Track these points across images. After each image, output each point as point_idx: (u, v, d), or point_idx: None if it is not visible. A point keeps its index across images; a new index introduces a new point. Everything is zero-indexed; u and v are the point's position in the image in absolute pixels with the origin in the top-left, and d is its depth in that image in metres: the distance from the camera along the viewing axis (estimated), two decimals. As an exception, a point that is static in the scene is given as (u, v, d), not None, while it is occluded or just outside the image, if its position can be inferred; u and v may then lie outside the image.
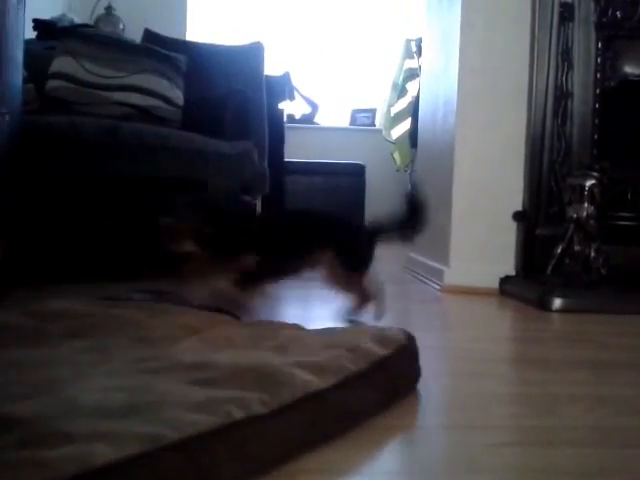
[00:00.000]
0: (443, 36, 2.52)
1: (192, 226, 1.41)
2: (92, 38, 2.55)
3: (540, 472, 0.73)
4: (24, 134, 1.68)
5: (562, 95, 2.18)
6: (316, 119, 5.54)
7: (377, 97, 5.47)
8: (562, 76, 2.17)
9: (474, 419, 0.91)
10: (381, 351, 0.95)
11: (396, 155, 4.98)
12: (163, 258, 1.51)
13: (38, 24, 3.03)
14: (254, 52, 3.09)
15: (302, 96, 5.25)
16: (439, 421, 0.91)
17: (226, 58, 3.02)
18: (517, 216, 2.21)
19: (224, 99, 2.62)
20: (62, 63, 2.41)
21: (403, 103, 4.87)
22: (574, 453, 0.79)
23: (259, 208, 2.88)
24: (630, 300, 1.93)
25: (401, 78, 4.85)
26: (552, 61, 2.17)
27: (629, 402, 1.02)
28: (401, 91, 4.88)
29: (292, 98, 3.71)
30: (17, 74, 1.64)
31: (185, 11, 4.57)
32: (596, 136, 2.20)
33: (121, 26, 4.13)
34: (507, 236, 2.22)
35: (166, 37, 3.01)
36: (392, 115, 4.95)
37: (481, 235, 2.23)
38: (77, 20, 3.51)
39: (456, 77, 2.26)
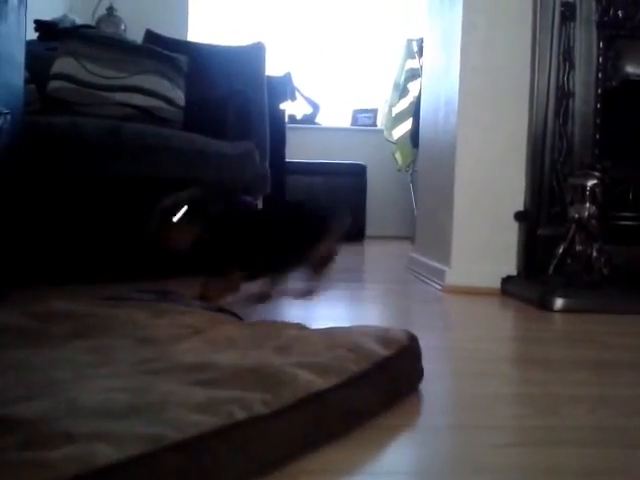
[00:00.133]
0: (444, 36, 2.52)
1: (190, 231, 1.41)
2: (93, 39, 2.55)
3: (544, 472, 0.73)
4: (26, 135, 1.68)
5: (564, 95, 2.17)
6: (317, 119, 5.54)
7: (378, 97, 5.47)
8: (564, 76, 2.17)
9: (477, 419, 0.90)
10: (383, 352, 0.95)
11: (397, 155, 4.98)
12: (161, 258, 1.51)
13: (40, 25, 3.04)
14: (255, 52, 3.10)
15: (303, 96, 5.25)
16: (442, 421, 0.90)
17: (227, 59, 3.02)
18: (519, 216, 2.20)
19: (225, 99, 2.62)
20: (64, 64, 2.41)
21: (404, 103, 4.87)
22: (578, 453, 0.79)
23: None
24: (632, 300, 1.93)
25: (402, 78, 4.85)
26: (554, 61, 2.16)
27: (632, 402, 1.02)
28: (402, 91, 4.88)
29: (293, 98, 3.72)
30: (19, 75, 1.64)
31: (186, 12, 4.58)
32: (598, 136, 2.19)
33: (122, 27, 4.13)
34: (509, 236, 2.22)
35: (167, 38, 3.01)
36: (393, 115, 4.95)
37: (483, 235, 2.23)
38: (78, 21, 3.52)
39: (457, 77, 2.26)
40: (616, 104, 2.20)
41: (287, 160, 3.69)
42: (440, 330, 1.65)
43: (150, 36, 3.02)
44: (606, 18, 2.17)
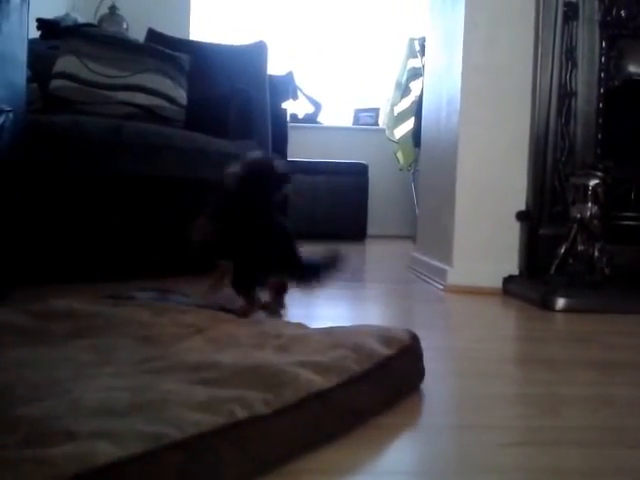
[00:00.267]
0: (447, 35, 2.52)
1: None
2: (96, 38, 2.55)
3: (547, 472, 0.73)
4: (28, 133, 1.68)
5: (566, 94, 2.17)
6: (319, 118, 5.54)
7: (380, 96, 5.47)
8: (566, 75, 2.17)
9: (480, 419, 0.90)
10: (385, 351, 0.95)
11: (399, 154, 4.98)
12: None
13: (42, 24, 3.04)
14: (257, 51, 3.10)
15: (305, 95, 5.25)
16: (445, 421, 0.90)
17: (229, 58, 3.02)
18: (520, 216, 2.20)
19: (227, 98, 2.62)
20: (66, 63, 2.41)
21: (406, 102, 4.87)
22: (581, 453, 0.78)
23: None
24: (634, 300, 1.93)
25: (404, 77, 4.84)
26: (556, 60, 2.16)
27: (635, 402, 1.01)
28: (404, 90, 4.87)
29: (295, 97, 3.72)
30: (21, 73, 1.64)
31: (189, 11, 4.58)
32: (600, 135, 2.19)
33: (125, 25, 4.13)
34: (510, 236, 2.22)
35: (169, 37, 3.01)
36: (395, 114, 4.94)
37: (484, 234, 2.23)
38: (81, 20, 3.52)
39: (460, 76, 2.26)
40: (618, 104, 2.20)
41: (289, 159, 3.69)
42: (442, 330, 1.65)
43: (152, 35, 3.02)
44: (609, 18, 2.16)
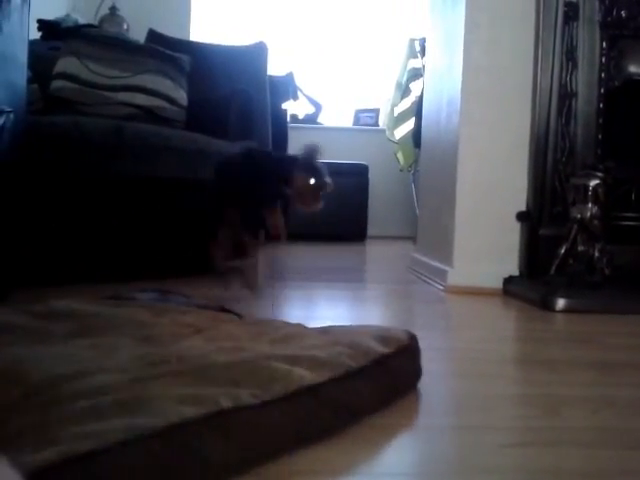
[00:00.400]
0: (447, 35, 2.52)
1: None
2: (96, 38, 2.55)
3: (547, 473, 0.73)
4: (28, 134, 1.68)
5: (566, 94, 2.17)
6: (319, 119, 5.54)
7: (380, 97, 5.47)
8: (566, 75, 2.17)
9: (480, 420, 0.90)
10: (382, 349, 0.95)
11: (400, 155, 4.98)
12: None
13: (42, 24, 3.04)
14: (258, 52, 3.10)
15: (305, 96, 5.25)
16: (445, 421, 0.90)
17: (230, 58, 3.02)
18: (521, 216, 2.20)
19: (228, 99, 2.62)
20: (66, 63, 2.41)
21: (407, 103, 4.87)
22: (581, 454, 0.78)
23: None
24: (634, 300, 1.93)
25: (405, 78, 4.84)
26: (556, 60, 2.16)
27: (635, 403, 1.01)
28: (405, 91, 4.87)
29: (295, 98, 3.72)
30: (21, 74, 1.64)
31: (189, 11, 4.58)
32: (600, 136, 2.19)
33: (125, 26, 4.13)
34: (511, 236, 2.22)
35: (170, 37, 3.02)
36: (396, 115, 4.94)
37: (485, 235, 2.23)
38: (81, 20, 3.52)
39: (460, 76, 2.26)
40: (619, 104, 2.20)
41: (289, 160, 3.68)
42: (442, 330, 1.65)
43: (153, 36, 3.02)
44: (609, 18, 2.16)
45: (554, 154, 2.18)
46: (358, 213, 4.86)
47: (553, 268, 2.01)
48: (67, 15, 3.54)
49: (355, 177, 4.97)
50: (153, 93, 2.46)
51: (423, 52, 4.07)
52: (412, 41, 4.78)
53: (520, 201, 2.21)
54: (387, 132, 5.04)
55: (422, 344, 1.05)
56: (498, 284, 2.18)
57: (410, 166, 4.90)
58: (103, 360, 0.90)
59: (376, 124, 5.54)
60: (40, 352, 0.92)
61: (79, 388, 0.75)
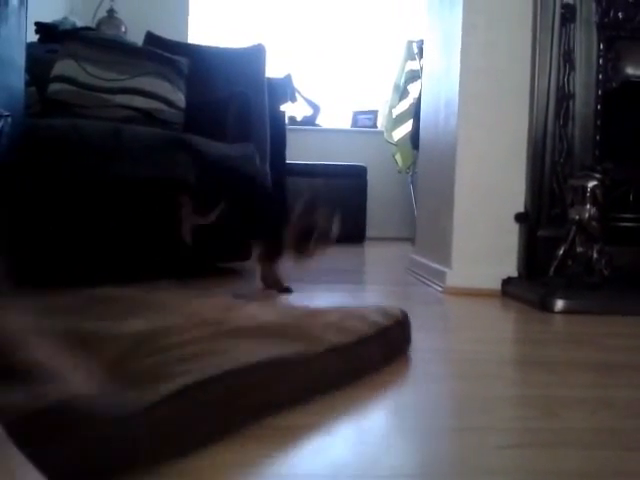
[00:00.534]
0: (445, 37, 2.52)
1: None
2: (94, 41, 2.55)
3: (546, 474, 0.73)
4: (26, 137, 1.68)
5: (564, 96, 2.17)
6: (318, 121, 5.54)
7: (378, 99, 5.48)
8: (564, 77, 2.17)
9: (479, 421, 0.90)
10: (385, 322, 1.20)
11: (398, 157, 4.99)
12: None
13: (40, 27, 3.04)
14: (256, 54, 3.10)
15: (304, 98, 5.26)
16: (444, 423, 0.90)
17: (228, 60, 3.02)
18: (519, 217, 2.20)
19: (226, 101, 2.62)
20: (64, 66, 2.41)
21: (405, 105, 4.88)
22: (579, 455, 0.78)
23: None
24: (633, 301, 1.93)
25: (402, 80, 4.85)
26: (554, 62, 2.16)
27: (633, 404, 1.02)
28: (402, 93, 4.88)
29: (294, 100, 3.71)
30: (19, 77, 1.64)
31: (187, 14, 4.58)
32: (598, 137, 2.19)
33: (123, 29, 4.13)
34: (509, 238, 2.22)
35: (168, 40, 3.01)
36: (394, 117, 4.95)
37: (483, 236, 2.23)
38: (79, 23, 3.52)
39: (458, 78, 2.26)
40: (616, 105, 2.20)
41: (287, 162, 3.68)
42: (441, 332, 1.65)
43: (150, 38, 3.02)
44: (606, 19, 2.17)
45: (552, 155, 2.18)
46: (357, 215, 4.86)
47: (552, 269, 2.02)
48: (65, 18, 3.54)
49: (353, 179, 4.97)
50: (151, 96, 2.46)
51: (421, 54, 4.08)
52: (410, 43, 4.79)
53: (518, 202, 2.22)
54: (385, 134, 5.04)
55: (421, 345, 1.06)
56: (497, 285, 2.18)
57: (408, 168, 4.91)
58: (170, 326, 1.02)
59: (374, 126, 5.54)
60: (110, 325, 1.00)
61: (168, 342, 0.91)
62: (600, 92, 2.19)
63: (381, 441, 0.82)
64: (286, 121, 3.74)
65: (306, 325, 1.09)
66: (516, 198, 2.22)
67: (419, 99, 3.47)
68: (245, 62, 3.05)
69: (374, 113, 5.58)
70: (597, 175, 2.02)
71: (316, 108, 5.47)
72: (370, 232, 5.03)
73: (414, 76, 4.69)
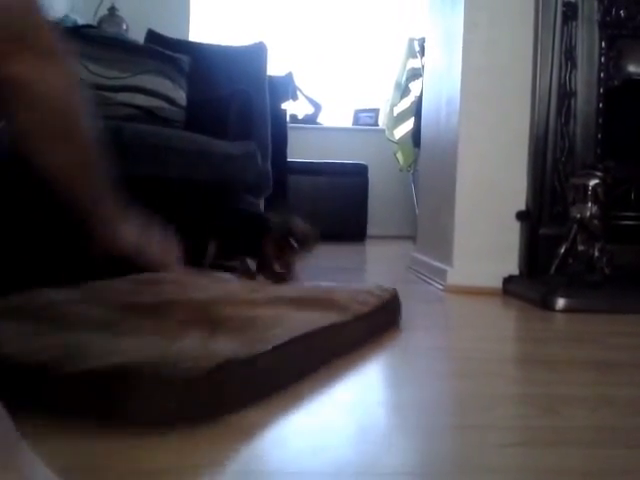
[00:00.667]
0: (446, 35, 2.52)
1: None
2: (95, 39, 2.55)
3: (547, 472, 0.73)
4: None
5: (566, 94, 2.17)
6: (319, 119, 5.54)
7: (380, 97, 5.47)
8: (566, 75, 2.17)
9: (480, 419, 0.90)
10: (385, 296, 1.46)
11: (399, 155, 4.98)
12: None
13: (41, 25, 3.03)
14: (257, 52, 3.09)
15: (305, 96, 5.25)
16: (445, 421, 0.90)
17: (229, 59, 3.02)
18: (520, 216, 2.20)
19: (227, 100, 2.62)
20: (65, 64, 2.41)
21: (406, 103, 4.87)
22: (580, 453, 0.78)
23: (262, 208, 2.88)
24: (634, 299, 1.93)
25: (404, 78, 4.85)
26: (555, 60, 2.16)
27: (634, 402, 1.02)
28: (404, 91, 4.87)
29: (295, 98, 3.72)
30: (21, 75, 1.64)
31: (188, 12, 4.58)
32: (600, 135, 2.19)
33: (124, 27, 4.13)
34: (510, 236, 2.22)
35: (169, 38, 3.01)
36: (395, 115, 4.94)
37: (484, 235, 2.23)
38: (80, 21, 3.52)
39: (459, 76, 2.26)
40: (618, 104, 2.20)
41: (289, 160, 3.69)
42: (442, 330, 1.65)
43: (152, 36, 3.02)
44: (608, 18, 2.16)
45: (554, 153, 2.18)
46: (358, 213, 4.87)
47: (553, 268, 2.01)
48: (66, 16, 3.54)
49: (355, 177, 4.97)
50: (152, 93, 2.46)
51: (422, 52, 4.08)
52: (411, 41, 4.78)
53: (520, 200, 2.21)
54: (387, 132, 5.04)
55: (422, 344, 1.06)
56: (498, 283, 2.18)
57: (410, 166, 4.91)
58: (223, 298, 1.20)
59: (375, 124, 5.54)
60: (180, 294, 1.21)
61: (227, 313, 1.08)
62: (602, 90, 2.18)
63: (382, 439, 0.82)
64: (287, 119, 3.74)
65: (334, 297, 1.29)
66: (517, 196, 2.21)
67: (420, 97, 3.47)
68: (246, 60, 3.04)
69: (375, 111, 5.58)
70: (599, 173, 2.02)
71: (317, 106, 5.47)
72: (371, 230, 5.03)
73: (415, 74, 4.68)
